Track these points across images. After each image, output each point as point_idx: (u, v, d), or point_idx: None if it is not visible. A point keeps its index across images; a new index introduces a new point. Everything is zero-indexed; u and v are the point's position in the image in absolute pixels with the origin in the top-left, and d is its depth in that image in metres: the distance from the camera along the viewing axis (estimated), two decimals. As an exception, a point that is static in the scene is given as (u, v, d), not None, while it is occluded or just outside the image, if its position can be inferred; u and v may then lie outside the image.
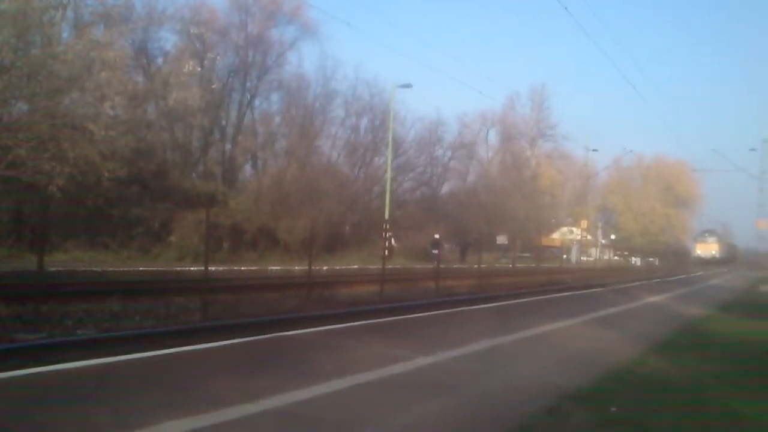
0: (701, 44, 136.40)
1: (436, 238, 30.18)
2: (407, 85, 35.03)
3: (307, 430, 4.34)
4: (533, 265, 37.74)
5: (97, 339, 7.85)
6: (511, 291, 18.18)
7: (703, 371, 7.22)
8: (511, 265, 34.47)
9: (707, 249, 74.04)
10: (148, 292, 12.49)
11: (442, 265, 20.65)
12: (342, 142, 41.21)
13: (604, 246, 57.82)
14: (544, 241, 53.13)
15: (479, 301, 14.37)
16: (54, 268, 14.36)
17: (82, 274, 15.78)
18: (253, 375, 5.74)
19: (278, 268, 22.64)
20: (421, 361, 6.65)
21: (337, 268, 24.54)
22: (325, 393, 5.13)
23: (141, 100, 26.13)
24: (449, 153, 50.37)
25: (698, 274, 44.07)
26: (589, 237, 56.58)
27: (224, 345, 6.99)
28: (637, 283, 26.61)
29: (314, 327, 8.58)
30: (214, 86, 33.38)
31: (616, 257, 60.84)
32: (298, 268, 21.18)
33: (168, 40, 32.42)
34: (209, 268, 11.66)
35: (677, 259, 60.44)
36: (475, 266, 22.13)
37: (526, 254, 45.66)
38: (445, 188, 50.87)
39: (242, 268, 20.89)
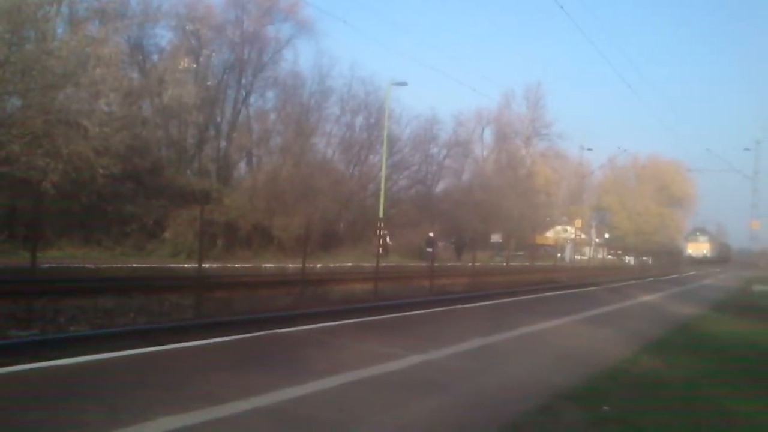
0: (697, 44, 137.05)
1: (431, 237, 30.23)
2: (403, 83, 35.17)
3: (301, 427, 4.34)
4: (527, 263, 37.84)
5: (90, 336, 7.82)
6: (506, 289, 18.20)
7: (695, 370, 7.25)
8: (505, 264, 34.51)
9: (698, 248, 73.70)
10: (141, 288, 12.45)
11: (436, 264, 20.65)
12: (337, 139, 41.19)
13: (598, 245, 57.95)
14: (539, 240, 53.29)
15: (473, 300, 14.38)
16: (47, 265, 14.31)
17: (75, 270, 15.70)
18: (246, 372, 5.73)
19: (272, 265, 22.60)
20: (415, 359, 6.66)
21: (332, 265, 24.52)
22: (319, 390, 5.13)
23: (136, 96, 26.03)
24: (444, 151, 50.38)
25: (691, 273, 44.24)
26: (583, 236, 56.73)
27: (218, 342, 6.98)
28: (631, 282, 26.69)
29: (308, 324, 8.57)
30: (209, 83, 33.27)
31: (609, 256, 60.98)
32: (292, 265, 21.14)
33: (163, 36, 32.33)
34: (203, 265, 11.65)
35: (671, 258, 60.65)
36: (470, 264, 22.14)
37: (520, 253, 45.74)
38: (440, 186, 50.92)
39: (236, 266, 20.84)
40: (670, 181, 72.90)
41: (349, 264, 26.09)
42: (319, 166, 35.85)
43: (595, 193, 70.39)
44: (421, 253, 32.77)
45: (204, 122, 33.05)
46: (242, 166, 37.35)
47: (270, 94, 37.65)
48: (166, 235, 24.43)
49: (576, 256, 51.43)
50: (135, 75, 28.57)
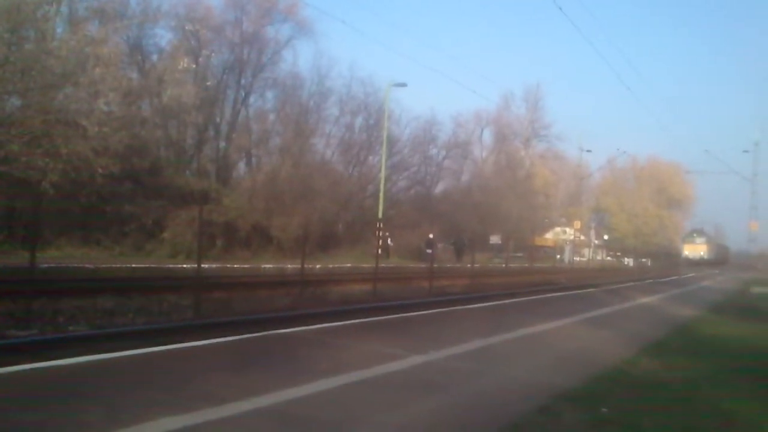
0: (696, 45, 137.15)
1: (431, 238, 30.25)
2: (402, 84, 35.13)
3: (301, 428, 4.34)
4: (526, 265, 37.86)
5: (89, 336, 7.82)
6: (505, 291, 18.20)
7: (694, 372, 7.26)
8: (504, 265, 34.51)
9: (695, 250, 72.82)
10: (140, 289, 12.45)
11: (436, 265, 20.66)
12: (336, 140, 41.16)
13: (597, 246, 58.00)
14: (538, 241, 53.32)
15: (473, 301, 14.39)
16: (46, 265, 14.29)
17: (74, 270, 15.68)
18: (246, 373, 5.73)
19: (271, 266, 22.59)
20: (415, 359, 6.66)
21: (331, 266, 24.52)
22: (319, 391, 5.12)
23: (135, 96, 25.99)
24: (443, 152, 50.34)
25: (690, 275, 44.24)
26: (582, 237, 56.76)
27: (217, 342, 6.97)
28: (630, 283, 26.68)
29: (307, 325, 8.57)
30: (208, 83, 33.24)
31: (609, 258, 61.03)
32: (291, 266, 21.13)
33: (163, 36, 32.32)
34: (202, 265, 11.63)
35: (669, 260, 60.65)
36: (469, 266, 22.15)
37: (519, 254, 45.77)
38: (439, 187, 50.91)
39: (235, 266, 20.83)
40: (668, 182, 72.96)
41: (348, 265, 26.09)
42: (318, 166, 35.84)
43: (594, 195, 70.44)
44: (421, 254, 32.78)
45: (203, 122, 33.03)
46: (241, 166, 37.33)
47: (269, 94, 37.67)
48: (165, 235, 24.41)
49: (575, 258, 51.43)
50: (134, 75, 28.55)
